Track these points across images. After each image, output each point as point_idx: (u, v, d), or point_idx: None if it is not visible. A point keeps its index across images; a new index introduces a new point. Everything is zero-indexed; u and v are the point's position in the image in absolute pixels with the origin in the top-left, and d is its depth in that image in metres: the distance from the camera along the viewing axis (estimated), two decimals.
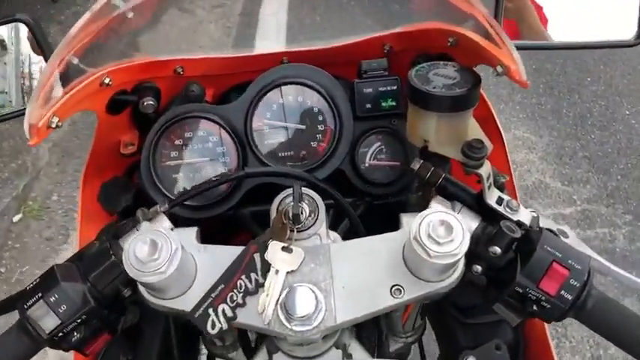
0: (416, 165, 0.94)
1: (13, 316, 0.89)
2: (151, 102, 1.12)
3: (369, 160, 1.14)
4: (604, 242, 3.36)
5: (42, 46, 1.14)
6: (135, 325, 1.07)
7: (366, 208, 1.16)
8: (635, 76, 4.66)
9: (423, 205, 0.98)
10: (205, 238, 0.95)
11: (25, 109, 1.48)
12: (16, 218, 3.40)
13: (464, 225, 0.76)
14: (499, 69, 0.85)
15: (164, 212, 0.97)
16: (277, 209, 0.90)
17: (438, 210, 0.78)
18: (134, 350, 1.11)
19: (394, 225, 0.93)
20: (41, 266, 3.01)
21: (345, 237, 1.01)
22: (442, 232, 0.76)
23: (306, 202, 0.90)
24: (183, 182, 1.13)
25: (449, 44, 1.02)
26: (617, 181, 3.72)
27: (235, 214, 1.14)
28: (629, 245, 3.29)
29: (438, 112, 0.87)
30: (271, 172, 1.04)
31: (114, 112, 1.14)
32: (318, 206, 0.90)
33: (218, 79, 1.23)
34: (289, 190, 0.91)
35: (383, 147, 1.14)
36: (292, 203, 0.87)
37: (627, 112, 4.30)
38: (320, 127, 1.13)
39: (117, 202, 1.18)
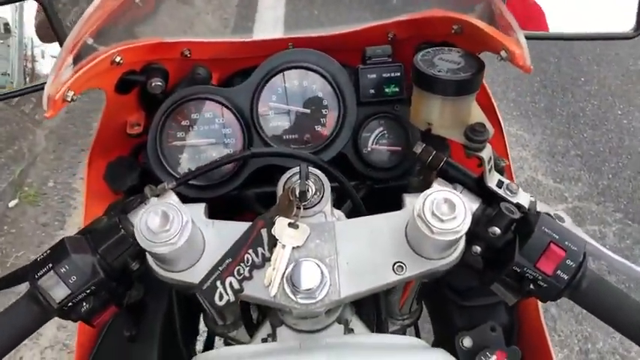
0: (418, 148, 0.97)
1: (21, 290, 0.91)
2: (159, 83, 1.14)
3: (372, 144, 1.17)
4: (594, 239, 3.40)
5: (53, 24, 1.16)
6: (139, 301, 1.10)
7: (368, 192, 1.18)
8: (628, 76, 4.72)
9: (424, 188, 1.00)
10: (211, 217, 0.97)
11: (26, 88, 1.51)
12: (12, 204, 3.40)
13: (466, 204, 0.79)
14: (503, 54, 0.87)
15: (172, 189, 1.00)
16: (284, 187, 0.93)
17: (441, 189, 0.81)
18: (137, 325, 1.14)
19: (395, 208, 0.96)
20: (37, 251, 3.02)
21: (349, 217, 1.04)
22: (445, 209, 0.79)
23: (312, 180, 0.93)
24: (188, 163, 1.15)
25: (453, 32, 1.05)
26: (608, 180, 3.77)
27: (240, 195, 1.17)
28: (618, 243, 3.33)
29: (442, 96, 0.90)
30: (277, 153, 1.07)
31: (122, 91, 1.15)
32: (323, 185, 0.93)
33: (224, 63, 1.25)
34: (296, 169, 0.93)
35: (385, 132, 1.17)
36: (299, 181, 0.90)
37: (619, 112, 4.35)
38: (324, 112, 1.16)
39: (123, 181, 1.20)
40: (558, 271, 0.85)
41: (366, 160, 1.16)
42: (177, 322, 1.16)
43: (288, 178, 0.94)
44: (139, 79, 1.15)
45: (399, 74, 1.14)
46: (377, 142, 1.17)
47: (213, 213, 0.99)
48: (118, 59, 1.05)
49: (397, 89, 1.15)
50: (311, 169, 0.94)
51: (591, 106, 4.43)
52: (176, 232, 0.79)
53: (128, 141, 1.23)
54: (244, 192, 1.17)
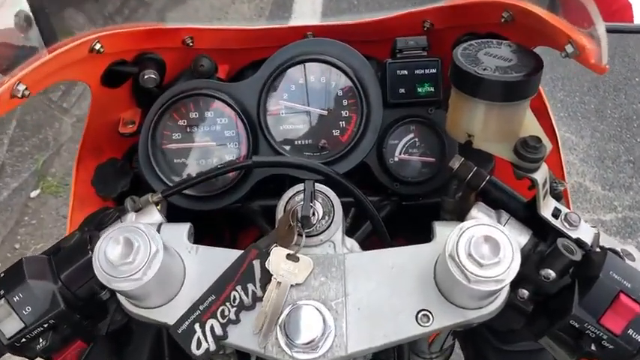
0: (455, 163, 0.79)
1: None
2: (153, 75, 0.98)
3: (399, 153, 0.99)
4: None
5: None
6: (123, 326, 0.94)
7: (393, 210, 1.01)
8: None
9: (460, 212, 0.82)
10: (207, 233, 0.81)
11: None
12: (33, 194, 3.32)
13: (514, 244, 0.61)
14: (569, 49, 0.68)
15: (156, 203, 0.84)
16: (285, 208, 0.76)
17: (481, 222, 0.62)
18: (120, 355, 0.98)
19: (425, 233, 0.78)
20: None
21: (365, 243, 0.87)
22: (486, 251, 0.60)
23: (320, 200, 0.76)
24: (185, 168, 1.00)
25: (503, 20, 0.86)
26: None
27: (243, 208, 1.00)
28: None
29: (487, 101, 0.71)
30: (282, 163, 0.90)
31: (111, 84, 1.00)
32: (333, 207, 0.75)
33: (233, 54, 1.09)
34: (300, 186, 0.76)
35: (416, 139, 0.98)
36: (302, 202, 0.73)
37: None
38: (344, 114, 0.98)
39: (112, 187, 1.05)
40: (630, 331, 0.66)
41: (392, 171, 0.98)
42: (166, 352, 1.00)
43: (291, 198, 0.76)
44: (130, 70, 1.00)
45: (434, 71, 0.96)
46: (406, 152, 0.99)
47: (210, 226, 0.83)
48: (97, 47, 0.89)
49: (432, 89, 0.96)
50: (319, 186, 0.77)
51: None
52: (141, 264, 0.63)
53: (121, 141, 1.08)
54: (248, 205, 1.00)
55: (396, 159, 0.99)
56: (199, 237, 1.09)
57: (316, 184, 0.76)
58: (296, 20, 4.58)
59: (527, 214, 0.78)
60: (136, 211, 0.84)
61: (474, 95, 0.71)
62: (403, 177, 0.98)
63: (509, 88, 0.69)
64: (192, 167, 1.00)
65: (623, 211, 3.44)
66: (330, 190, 0.77)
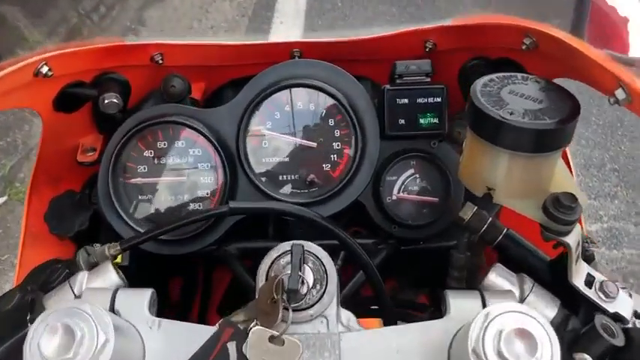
0: (467, 213, 0.68)
1: None
2: (115, 100, 0.85)
3: (398, 192, 0.87)
4: (631, 264, 3.08)
5: None
6: None
7: (390, 254, 0.89)
8: None
9: (472, 270, 0.71)
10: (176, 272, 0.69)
11: None
12: (0, 201, 3.14)
13: (555, 341, 0.49)
14: (619, 94, 0.56)
15: (113, 256, 0.71)
16: (267, 274, 0.63)
17: (511, 308, 0.50)
18: None
19: (424, 279, 0.67)
20: None
21: (357, 293, 0.75)
22: (520, 349, 0.48)
23: (310, 264, 0.63)
24: (151, 207, 0.87)
25: (524, 47, 0.74)
26: None
27: (218, 251, 0.88)
28: None
29: (514, 151, 0.59)
30: (263, 209, 0.77)
31: (67, 109, 0.87)
32: (327, 272, 0.63)
33: (210, 71, 0.96)
34: (285, 246, 0.63)
35: (417, 176, 0.87)
36: (289, 269, 0.60)
37: None
38: (336, 146, 0.86)
39: (69, 224, 0.93)
40: None
41: (389, 212, 0.86)
42: None
43: (275, 261, 0.63)
44: (88, 93, 0.86)
45: (439, 100, 0.84)
46: (405, 190, 0.87)
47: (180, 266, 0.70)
48: (44, 70, 0.75)
49: (436, 120, 0.84)
50: (309, 245, 0.64)
51: (629, 114, 4.06)
52: (86, 359, 0.50)
53: (81, 170, 0.95)
54: (224, 247, 0.88)
55: (394, 198, 0.87)
56: (165, 280, 0.96)
57: (306, 244, 0.63)
58: (279, 26, 4.45)
59: (552, 278, 0.66)
60: (90, 267, 0.70)
61: (497, 143, 0.59)
62: (402, 219, 0.86)
63: (541, 137, 0.57)
64: (160, 205, 0.87)
65: (609, 221, 3.37)
66: (323, 252, 0.64)
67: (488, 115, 0.58)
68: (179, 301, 1.14)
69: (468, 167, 0.66)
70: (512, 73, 0.63)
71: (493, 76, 0.63)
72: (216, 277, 1.18)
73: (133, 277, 0.93)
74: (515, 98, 0.60)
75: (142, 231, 0.84)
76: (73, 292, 0.66)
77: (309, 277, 0.62)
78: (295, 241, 0.63)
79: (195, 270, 1.16)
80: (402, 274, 1.01)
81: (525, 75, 0.64)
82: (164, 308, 1.08)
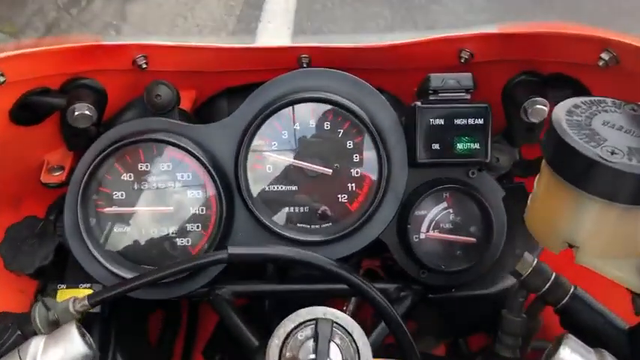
0: (526, 267, 0.54)
1: None
2: (87, 112, 0.70)
3: (428, 230, 0.73)
4: None
5: None
6: None
7: (415, 302, 0.75)
8: None
9: (527, 335, 0.57)
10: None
11: None
12: None
13: None
14: None
15: (78, 315, 0.56)
16: (281, 352, 0.48)
17: None
18: None
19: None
20: None
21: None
22: None
23: (338, 340, 0.48)
24: (128, 241, 0.72)
25: (601, 63, 0.60)
26: None
27: (210, 295, 0.73)
28: None
29: (608, 200, 0.45)
30: (267, 256, 0.62)
31: (28, 121, 0.71)
32: (359, 353, 0.48)
33: (202, 77, 0.81)
34: (304, 314, 0.49)
35: (451, 212, 0.73)
36: (310, 347, 0.45)
37: None
38: (354, 173, 0.72)
39: (27, 259, 0.77)
40: None
41: (416, 254, 0.72)
42: None
43: (290, 335, 0.48)
44: (55, 103, 0.71)
45: (481, 122, 0.70)
46: (436, 228, 0.73)
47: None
48: None
49: (477, 146, 0.70)
50: (338, 317, 0.49)
51: None
52: None
53: (47, 192, 0.79)
54: (217, 291, 0.73)
55: (423, 237, 0.73)
56: (145, 316, 0.83)
57: (333, 314, 0.48)
58: (267, 25, 4.29)
59: (633, 352, 0.52)
60: (50, 327, 0.55)
61: (588, 189, 0.45)
62: (431, 262, 0.72)
63: None
64: (140, 238, 0.72)
65: None
66: (353, 324, 0.49)
67: (582, 153, 0.43)
68: (159, 341, 0.99)
69: (541, 215, 0.52)
70: (600, 98, 0.50)
71: (577, 100, 0.49)
72: (202, 312, 1.03)
73: (105, 322, 0.78)
74: (611, 131, 0.46)
75: (115, 271, 0.69)
76: None
77: (336, 359, 0.47)
78: (317, 309, 0.48)
79: (178, 305, 1.01)
80: (424, 319, 0.87)
81: (616, 101, 0.50)
82: (142, 351, 0.94)
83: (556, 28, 0.66)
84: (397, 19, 4.05)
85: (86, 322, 0.61)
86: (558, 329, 0.61)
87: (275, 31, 4.25)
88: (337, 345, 0.48)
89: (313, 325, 0.48)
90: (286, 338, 0.49)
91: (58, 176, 0.79)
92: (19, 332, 0.56)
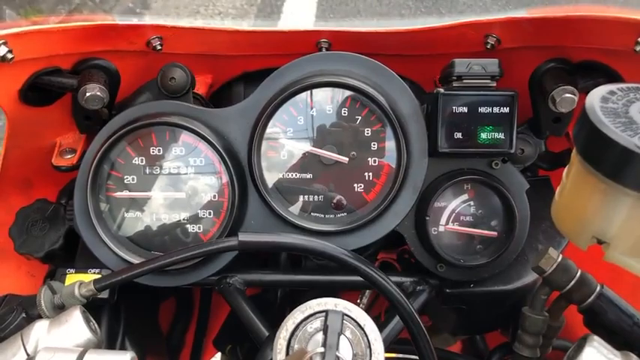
0: (550, 263, 0.51)
1: None
2: (99, 93, 0.68)
3: (447, 222, 0.70)
4: None
5: None
6: None
7: (431, 296, 0.72)
8: None
9: (549, 334, 0.54)
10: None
11: None
12: None
13: None
14: None
15: (84, 300, 0.54)
16: (288, 343, 0.46)
17: None
18: None
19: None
20: None
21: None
22: None
23: (349, 333, 0.46)
24: (140, 225, 0.70)
25: (638, 48, 0.56)
26: None
27: (221, 283, 0.71)
28: None
29: None
30: (279, 245, 0.59)
31: (39, 102, 0.70)
32: (370, 347, 0.46)
33: (218, 61, 0.80)
34: (314, 306, 0.46)
35: (472, 204, 0.70)
36: (319, 339, 0.43)
37: None
38: (372, 162, 0.70)
39: (37, 242, 0.76)
40: None
41: (435, 247, 0.69)
42: None
43: (299, 326, 0.46)
44: (66, 83, 0.69)
45: (507, 111, 0.67)
46: (456, 220, 0.70)
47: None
48: (2, 51, 0.58)
49: (502, 136, 0.67)
50: (350, 309, 0.47)
51: None
52: None
53: (58, 176, 0.78)
54: (228, 279, 0.71)
55: (442, 229, 0.70)
56: (156, 306, 0.81)
57: (344, 306, 0.46)
58: (289, 16, 4.26)
59: None
60: (55, 310, 0.54)
61: (623, 182, 0.42)
62: (450, 256, 0.69)
63: None
64: (151, 224, 0.70)
65: None
66: (365, 317, 0.47)
67: (617, 143, 0.40)
68: (171, 330, 0.98)
69: (569, 209, 0.49)
70: (636, 84, 0.46)
71: (613, 87, 0.46)
72: (215, 302, 1.01)
73: (115, 309, 0.77)
74: None
75: (125, 257, 0.68)
76: (26, 352, 0.50)
77: (346, 353, 0.45)
78: (328, 301, 0.46)
79: (191, 294, 0.99)
80: (440, 315, 0.84)
81: None
82: (153, 340, 0.93)
83: (589, 12, 0.63)
84: (421, 9, 4.00)
85: (95, 308, 0.60)
86: (581, 329, 0.58)
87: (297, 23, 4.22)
88: (348, 338, 0.46)
89: (323, 317, 0.45)
90: (295, 329, 0.47)
91: (69, 159, 0.77)
92: (23, 315, 0.55)
